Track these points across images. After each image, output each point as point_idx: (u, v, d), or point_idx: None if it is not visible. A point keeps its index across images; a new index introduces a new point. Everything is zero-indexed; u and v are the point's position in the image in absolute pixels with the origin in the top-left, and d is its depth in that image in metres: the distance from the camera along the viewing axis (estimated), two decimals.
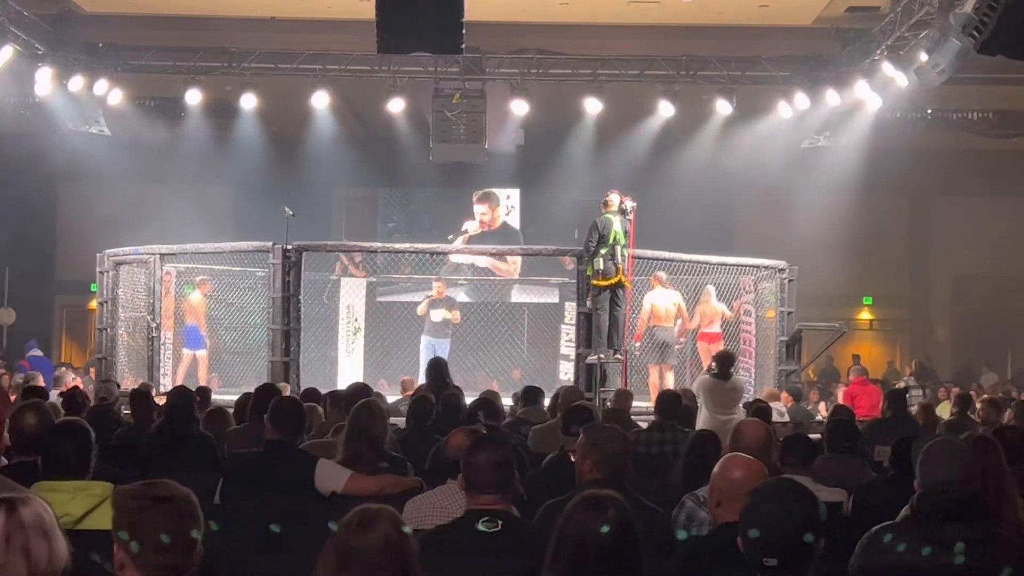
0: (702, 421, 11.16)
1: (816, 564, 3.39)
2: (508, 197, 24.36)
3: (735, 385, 11.91)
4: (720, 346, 15.38)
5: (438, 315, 17.71)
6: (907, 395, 12.49)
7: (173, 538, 3.09)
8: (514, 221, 24.29)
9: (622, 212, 13.78)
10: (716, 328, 15.96)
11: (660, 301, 15.45)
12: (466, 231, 22.27)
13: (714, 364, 11.97)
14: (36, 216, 22.98)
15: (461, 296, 20.52)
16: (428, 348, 17.52)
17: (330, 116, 19.67)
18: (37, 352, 19.21)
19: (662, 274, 15.55)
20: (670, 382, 14.88)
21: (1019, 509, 4.85)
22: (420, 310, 18.04)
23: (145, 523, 3.09)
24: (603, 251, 13.62)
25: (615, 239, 13.63)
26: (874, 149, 19.30)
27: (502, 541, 4.32)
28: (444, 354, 17.40)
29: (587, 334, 13.96)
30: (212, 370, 16.92)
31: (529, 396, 10.53)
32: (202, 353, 16.65)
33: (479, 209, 23.18)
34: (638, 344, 15.53)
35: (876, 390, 14.96)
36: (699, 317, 15.95)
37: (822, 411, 15.78)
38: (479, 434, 5.35)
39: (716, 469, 4.50)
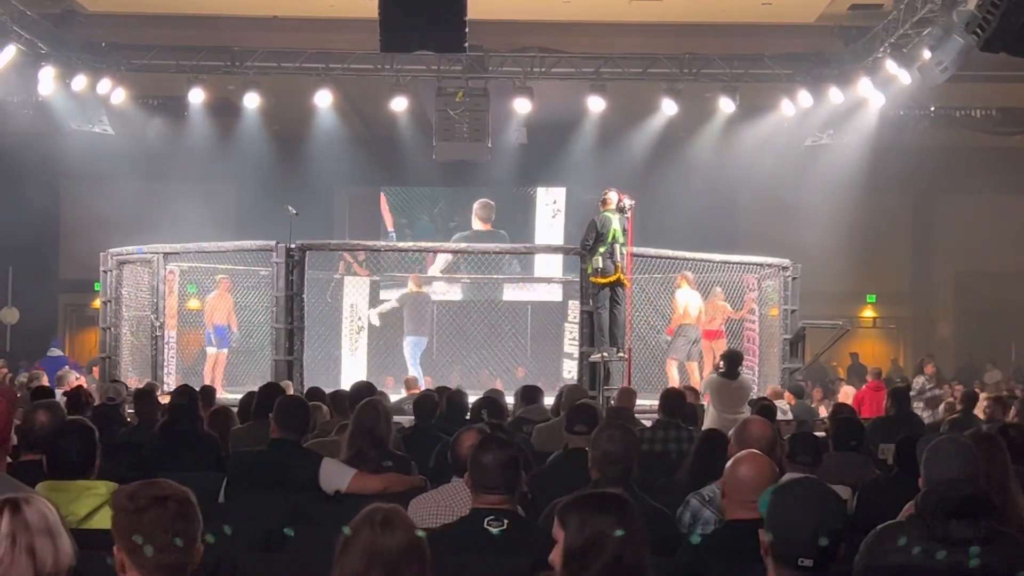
0: (709, 420, 11.17)
1: (838, 564, 3.40)
2: (555, 202, 24.32)
3: (742, 384, 11.91)
4: (722, 343, 15.47)
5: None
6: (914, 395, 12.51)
7: (172, 537, 3.08)
8: (559, 222, 24.24)
9: (620, 210, 13.77)
10: (717, 325, 16.10)
11: (692, 301, 15.69)
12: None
13: (721, 363, 11.97)
14: (39, 215, 22.99)
15: (457, 294, 20.60)
16: (414, 347, 17.56)
17: (333, 115, 19.66)
18: (56, 352, 19.15)
19: (690, 274, 15.70)
20: (697, 377, 15.05)
21: (1023, 507, 4.84)
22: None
23: (144, 523, 3.08)
24: (601, 249, 13.60)
25: (614, 237, 13.61)
26: (877, 147, 19.30)
27: (508, 540, 4.33)
28: (420, 351, 17.54)
29: (590, 332, 13.95)
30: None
31: (528, 395, 10.50)
32: (223, 351, 16.85)
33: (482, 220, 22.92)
34: (670, 338, 15.70)
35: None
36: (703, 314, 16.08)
37: (821, 410, 15.79)
38: (487, 434, 5.36)
39: (728, 464, 4.53)
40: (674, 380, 15.03)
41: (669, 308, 16.08)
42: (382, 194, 24.53)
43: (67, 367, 16.34)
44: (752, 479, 4.35)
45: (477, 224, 22.44)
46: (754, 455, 4.60)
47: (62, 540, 3.03)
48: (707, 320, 16.08)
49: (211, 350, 16.80)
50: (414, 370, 16.73)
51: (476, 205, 22.58)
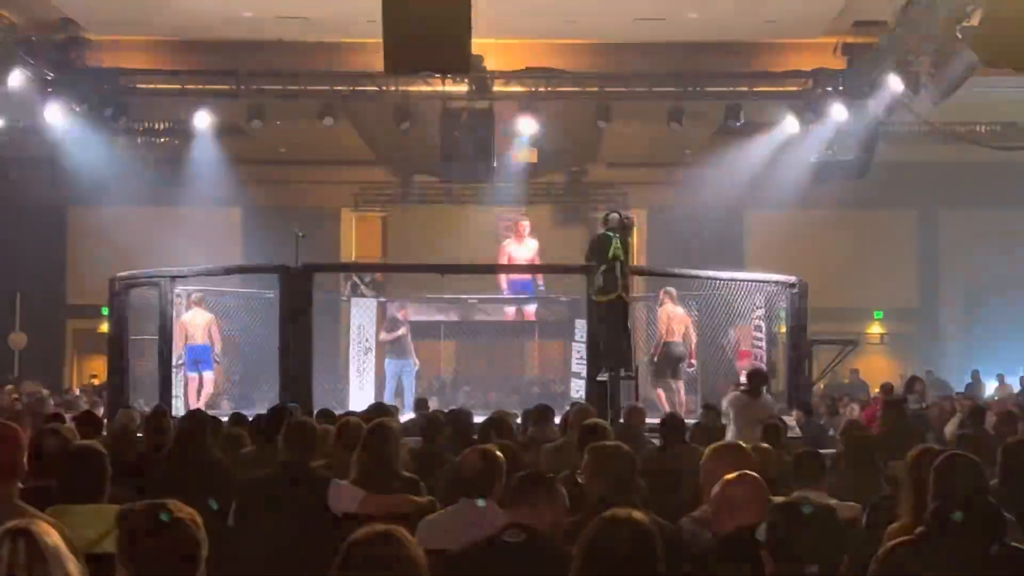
0: (732, 438, 11.11)
1: None
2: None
3: (765, 403, 11.85)
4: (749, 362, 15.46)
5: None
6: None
7: (176, 559, 3.06)
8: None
9: (622, 229, 13.77)
10: (747, 345, 16.14)
11: (675, 318, 15.60)
12: None
13: (746, 381, 11.93)
14: (47, 240, 23.06)
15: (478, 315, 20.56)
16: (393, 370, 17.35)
17: (338, 137, 19.70)
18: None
19: (673, 290, 15.63)
20: (683, 396, 14.99)
21: None
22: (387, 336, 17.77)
23: (148, 544, 3.05)
24: (603, 267, 13.61)
25: (615, 255, 13.60)
26: (882, 162, 19.28)
27: (523, 554, 4.31)
28: (411, 376, 17.28)
29: (597, 351, 13.94)
30: (223, 393, 16.86)
31: (540, 415, 10.47)
32: (207, 373, 16.50)
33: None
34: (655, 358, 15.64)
35: None
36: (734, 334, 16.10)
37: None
38: (488, 453, 5.38)
39: (717, 488, 4.53)
40: (663, 403, 14.95)
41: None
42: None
43: (75, 392, 16.30)
44: (745, 494, 4.38)
45: None
46: (744, 474, 4.60)
47: (69, 566, 3.01)
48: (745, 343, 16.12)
49: (191, 373, 16.27)
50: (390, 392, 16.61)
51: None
